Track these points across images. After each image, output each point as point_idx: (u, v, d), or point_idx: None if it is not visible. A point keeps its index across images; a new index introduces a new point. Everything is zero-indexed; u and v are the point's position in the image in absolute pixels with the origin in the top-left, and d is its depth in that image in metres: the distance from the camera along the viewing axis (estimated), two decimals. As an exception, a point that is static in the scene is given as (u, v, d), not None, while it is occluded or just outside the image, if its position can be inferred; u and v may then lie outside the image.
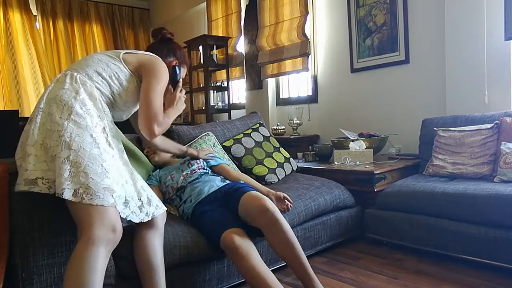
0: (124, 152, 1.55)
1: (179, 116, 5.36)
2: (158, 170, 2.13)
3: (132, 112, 1.68)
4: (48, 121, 1.34)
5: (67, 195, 1.23)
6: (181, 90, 1.71)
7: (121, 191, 1.36)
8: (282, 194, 2.01)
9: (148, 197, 1.47)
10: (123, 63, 1.54)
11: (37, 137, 1.34)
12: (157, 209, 1.50)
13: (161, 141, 1.84)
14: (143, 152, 2.15)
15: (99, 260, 1.24)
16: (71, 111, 1.34)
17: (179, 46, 1.83)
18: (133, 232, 1.55)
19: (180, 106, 1.68)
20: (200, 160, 2.10)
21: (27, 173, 1.30)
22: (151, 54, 1.63)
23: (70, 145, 1.29)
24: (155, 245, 1.52)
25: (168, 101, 1.67)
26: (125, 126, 2.30)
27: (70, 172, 1.26)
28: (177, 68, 1.73)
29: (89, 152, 1.30)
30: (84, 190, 1.25)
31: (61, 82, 1.43)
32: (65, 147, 1.28)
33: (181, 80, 1.73)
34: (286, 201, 2.01)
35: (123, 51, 1.59)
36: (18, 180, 1.32)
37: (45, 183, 1.31)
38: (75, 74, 1.44)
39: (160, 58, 1.62)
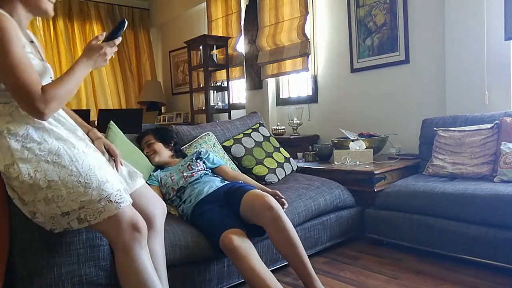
0: (78, 130, 1.40)
1: (179, 116, 5.40)
2: (159, 170, 2.13)
3: None
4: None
5: (75, 226, 1.23)
6: (111, 46, 1.32)
7: (116, 182, 1.30)
8: (274, 191, 1.93)
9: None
10: None
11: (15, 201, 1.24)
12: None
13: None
14: (142, 152, 2.15)
15: (144, 258, 1.27)
16: (11, 152, 1.20)
17: None
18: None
19: (99, 60, 1.31)
20: (199, 161, 2.11)
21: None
22: None
23: (39, 185, 1.18)
24: (155, 248, 1.48)
25: (87, 49, 1.29)
26: (126, 126, 2.31)
27: (59, 207, 1.19)
28: (125, 22, 1.34)
29: (60, 179, 1.20)
30: (84, 214, 1.21)
31: None
32: (36, 189, 1.19)
33: (120, 38, 1.34)
34: (278, 197, 1.91)
35: None
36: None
37: (41, 225, 1.25)
38: None
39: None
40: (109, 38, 1.33)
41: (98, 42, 1.31)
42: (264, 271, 1.56)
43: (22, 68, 1.17)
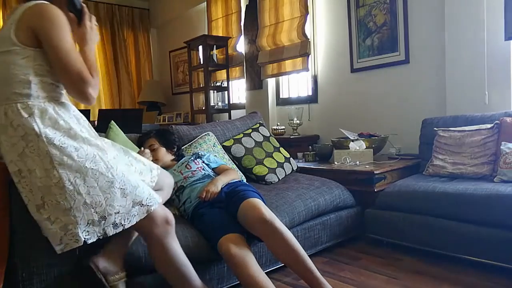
0: (103, 139, 1.41)
1: (179, 116, 5.39)
2: None
3: None
4: (34, 178, 1.20)
5: (110, 232, 1.27)
6: (90, 17, 1.37)
7: (144, 185, 1.37)
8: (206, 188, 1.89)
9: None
10: (22, 46, 1.23)
11: (34, 201, 1.21)
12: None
13: None
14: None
15: (176, 247, 1.44)
16: (50, 157, 1.19)
17: None
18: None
19: (93, 36, 1.37)
20: (199, 161, 2.10)
21: (53, 237, 1.22)
22: (35, 3, 1.27)
23: (78, 190, 1.21)
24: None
25: (79, 37, 1.34)
26: (126, 126, 2.31)
27: (97, 213, 1.24)
28: None
29: (98, 185, 1.24)
30: (120, 218, 1.28)
31: (7, 126, 1.22)
32: (74, 195, 1.20)
33: (84, 5, 1.37)
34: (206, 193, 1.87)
35: (11, 31, 1.23)
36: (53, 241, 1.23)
37: (71, 238, 1.21)
38: (11, 105, 1.22)
39: (46, 2, 1.27)
40: (77, 15, 1.36)
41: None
42: (262, 279, 1.54)
43: (75, 54, 1.24)
